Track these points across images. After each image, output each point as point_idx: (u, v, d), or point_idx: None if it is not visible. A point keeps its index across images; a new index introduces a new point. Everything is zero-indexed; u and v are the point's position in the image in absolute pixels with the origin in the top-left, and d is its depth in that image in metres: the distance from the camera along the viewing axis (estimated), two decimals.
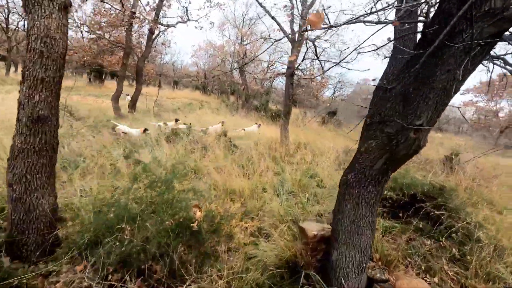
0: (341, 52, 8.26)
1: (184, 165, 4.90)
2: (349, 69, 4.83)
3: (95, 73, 23.85)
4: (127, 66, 9.23)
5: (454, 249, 2.92)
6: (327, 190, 4.64)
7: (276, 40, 2.91)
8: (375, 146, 1.90)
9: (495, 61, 2.09)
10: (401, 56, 2.41)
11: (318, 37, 8.13)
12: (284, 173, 5.22)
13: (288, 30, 7.86)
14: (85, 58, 11.04)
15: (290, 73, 7.75)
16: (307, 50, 7.52)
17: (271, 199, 3.89)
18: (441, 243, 3.04)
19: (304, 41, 7.60)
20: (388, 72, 2.71)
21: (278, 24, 7.71)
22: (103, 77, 25.43)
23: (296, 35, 7.66)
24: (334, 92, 28.48)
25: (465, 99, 19.61)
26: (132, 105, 9.99)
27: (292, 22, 7.95)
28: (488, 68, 2.15)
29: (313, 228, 2.40)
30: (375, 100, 2.11)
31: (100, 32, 9.65)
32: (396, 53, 2.62)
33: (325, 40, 8.05)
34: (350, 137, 12.62)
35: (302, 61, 7.28)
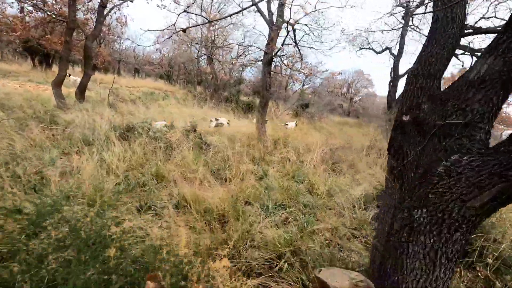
0: (321, 39, 7.54)
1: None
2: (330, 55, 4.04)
3: (40, 57, 20.66)
4: (70, 44, 7.58)
5: (497, 282, 2.31)
6: (320, 199, 3.90)
7: (243, 9, 1.99)
8: (479, 169, 1.09)
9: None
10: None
11: (297, 22, 7.31)
12: (267, 178, 4.37)
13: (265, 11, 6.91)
14: (17, 33, 8.97)
15: (267, 60, 6.85)
16: (287, 34, 6.65)
17: (259, 215, 3.02)
18: (477, 271, 2.43)
19: (285, 25, 6.73)
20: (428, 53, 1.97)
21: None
22: (51, 61, 22.20)
23: (274, 16, 6.76)
24: (303, 85, 28.21)
25: None
26: (80, 93, 8.36)
27: (269, 2, 7.01)
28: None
29: (341, 282, 1.57)
30: (455, 93, 1.31)
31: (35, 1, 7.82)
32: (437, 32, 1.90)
33: (305, 25, 7.25)
34: (327, 129, 12.18)
35: (282, 45, 6.41)
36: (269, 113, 14.02)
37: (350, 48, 10.82)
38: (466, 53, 7.64)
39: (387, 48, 9.65)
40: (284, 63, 6.20)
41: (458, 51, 7.85)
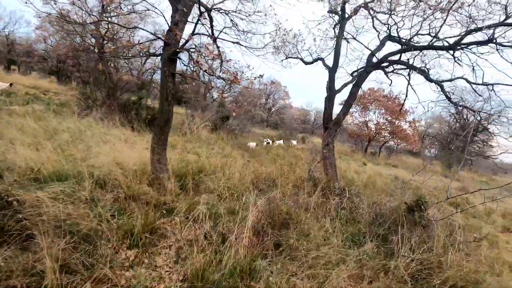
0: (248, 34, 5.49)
1: None
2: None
3: None
4: None
5: None
6: None
7: None
8: None
9: None
10: None
11: (214, 7, 5.06)
12: None
13: None
14: None
15: (170, 55, 4.33)
16: (198, 19, 4.34)
17: None
18: None
19: (197, 6, 4.40)
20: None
21: None
22: None
23: None
24: (222, 92, 26.14)
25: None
26: None
27: None
28: None
29: None
30: None
31: None
32: None
33: (226, 13, 5.08)
34: (260, 153, 10.15)
35: (193, 35, 4.04)
36: (181, 127, 11.32)
37: (275, 57, 8.99)
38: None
39: (318, 59, 8.27)
40: (196, 64, 3.77)
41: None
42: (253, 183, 5.55)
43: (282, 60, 8.76)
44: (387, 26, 6.90)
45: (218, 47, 4.69)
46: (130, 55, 5.15)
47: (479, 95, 5.93)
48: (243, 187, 4.88)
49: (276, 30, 4.99)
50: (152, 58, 16.43)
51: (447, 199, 3.86)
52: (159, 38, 4.41)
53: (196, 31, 4.51)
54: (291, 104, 47.08)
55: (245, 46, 4.59)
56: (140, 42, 4.36)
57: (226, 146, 10.55)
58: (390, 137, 20.41)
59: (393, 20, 6.33)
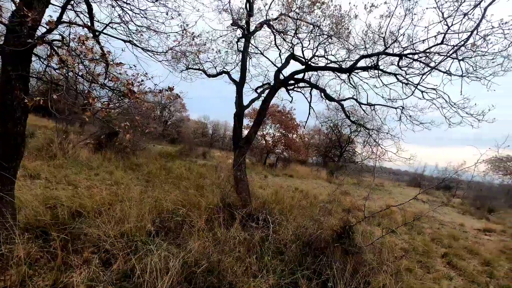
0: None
1: None
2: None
3: None
4: None
5: None
6: None
7: None
8: None
9: None
10: None
11: None
12: None
13: None
14: None
15: (17, 48, 2.81)
16: (67, 2, 3.07)
17: None
18: None
19: None
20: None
21: None
22: None
23: None
24: (109, 99, 22.41)
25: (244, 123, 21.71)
26: None
27: None
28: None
29: None
30: None
31: None
32: None
33: None
34: (152, 167, 8.37)
35: (59, 23, 2.75)
36: (49, 148, 8.65)
37: (175, 66, 7.97)
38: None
39: (224, 72, 7.82)
40: (62, 64, 2.47)
41: None
42: (154, 222, 4.36)
43: (181, 71, 7.81)
44: (290, 45, 7.11)
45: (100, 44, 3.44)
46: None
47: (366, 114, 6.80)
48: (143, 232, 3.68)
49: (182, 31, 4.12)
50: None
51: (365, 218, 3.89)
52: None
53: (71, 20, 3.16)
54: (188, 117, 45.61)
55: (142, 48, 3.53)
56: None
57: (116, 170, 8.61)
58: (285, 149, 22.10)
59: (298, 39, 6.51)
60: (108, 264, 2.90)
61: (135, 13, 3.85)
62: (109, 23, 3.88)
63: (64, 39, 2.55)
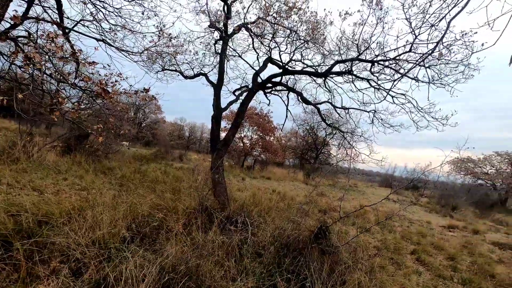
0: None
1: None
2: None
3: None
4: None
5: None
6: None
7: None
8: None
9: None
10: None
11: None
12: None
13: None
14: None
15: None
16: None
17: None
18: None
19: None
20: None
21: None
22: None
23: None
24: (80, 100, 21.31)
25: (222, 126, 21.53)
26: None
27: None
28: None
29: None
30: None
31: None
32: None
33: None
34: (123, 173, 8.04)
35: (25, 19, 2.59)
36: (11, 152, 8.06)
37: (149, 67, 7.80)
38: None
39: (201, 74, 7.76)
40: (28, 61, 2.33)
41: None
42: (129, 227, 4.20)
43: (157, 72, 7.64)
44: (267, 48, 7.21)
45: (71, 42, 3.28)
46: None
47: (341, 117, 7.05)
48: (117, 238, 3.54)
49: (159, 32, 4.03)
50: None
51: (341, 218, 4.02)
52: None
53: (38, 16, 2.98)
54: (163, 119, 44.56)
55: (116, 47, 3.41)
56: None
57: (86, 174, 8.19)
58: (262, 151, 22.24)
59: (275, 43, 6.61)
60: (79, 274, 2.75)
61: (109, 11, 3.71)
62: (80, 20, 3.72)
63: (31, 36, 2.41)
